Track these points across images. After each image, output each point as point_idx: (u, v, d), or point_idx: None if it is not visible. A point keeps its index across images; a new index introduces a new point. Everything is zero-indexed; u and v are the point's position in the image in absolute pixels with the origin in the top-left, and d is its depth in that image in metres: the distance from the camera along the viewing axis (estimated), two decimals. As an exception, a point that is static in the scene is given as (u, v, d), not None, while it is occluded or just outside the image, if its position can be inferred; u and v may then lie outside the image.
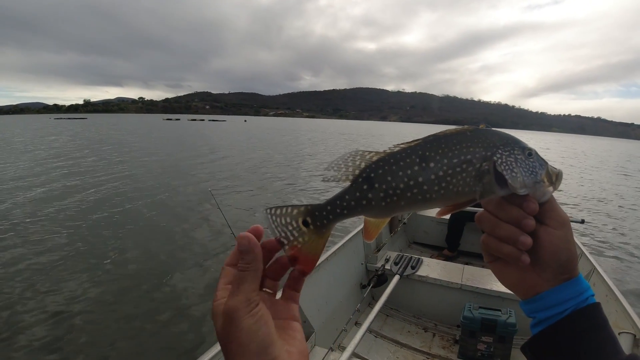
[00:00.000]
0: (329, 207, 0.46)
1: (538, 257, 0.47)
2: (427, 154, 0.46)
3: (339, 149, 27.51)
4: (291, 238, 0.45)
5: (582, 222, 4.20)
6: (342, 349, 2.46)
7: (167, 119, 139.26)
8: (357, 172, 0.46)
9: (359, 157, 0.47)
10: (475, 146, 0.46)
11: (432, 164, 0.45)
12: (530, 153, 0.47)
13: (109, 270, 5.49)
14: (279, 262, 0.46)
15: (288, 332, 0.43)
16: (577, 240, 3.17)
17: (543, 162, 0.47)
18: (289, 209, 0.46)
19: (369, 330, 2.89)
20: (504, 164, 0.45)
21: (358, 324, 2.99)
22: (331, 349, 2.38)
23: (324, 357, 2.31)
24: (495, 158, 0.46)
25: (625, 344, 2.00)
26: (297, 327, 0.45)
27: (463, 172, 0.45)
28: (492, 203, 0.49)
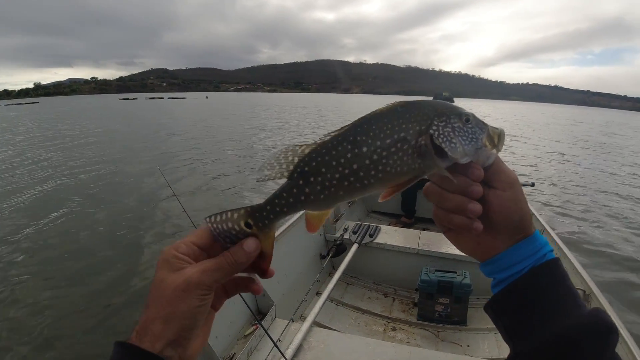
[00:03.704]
0: (268, 207, 0.46)
1: (490, 221, 0.47)
2: (359, 138, 0.44)
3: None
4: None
5: (532, 185, 4.40)
6: (304, 319, 2.45)
7: (124, 99, 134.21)
8: (291, 167, 0.46)
9: (290, 153, 0.46)
10: (408, 122, 0.44)
11: (364, 149, 0.44)
12: (467, 119, 0.44)
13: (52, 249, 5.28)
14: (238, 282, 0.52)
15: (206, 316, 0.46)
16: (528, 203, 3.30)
17: (483, 125, 0.44)
18: (229, 214, 0.45)
19: (330, 299, 2.92)
20: (442, 136, 0.44)
21: (319, 294, 3.00)
22: (292, 320, 2.35)
23: (284, 329, 2.28)
24: (431, 131, 0.44)
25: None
26: (213, 313, 0.49)
27: (399, 152, 0.44)
28: (437, 175, 0.47)
